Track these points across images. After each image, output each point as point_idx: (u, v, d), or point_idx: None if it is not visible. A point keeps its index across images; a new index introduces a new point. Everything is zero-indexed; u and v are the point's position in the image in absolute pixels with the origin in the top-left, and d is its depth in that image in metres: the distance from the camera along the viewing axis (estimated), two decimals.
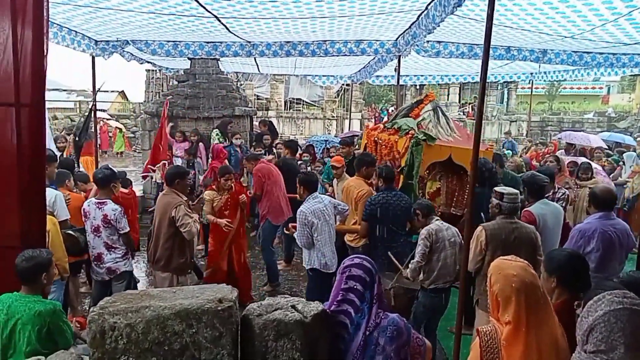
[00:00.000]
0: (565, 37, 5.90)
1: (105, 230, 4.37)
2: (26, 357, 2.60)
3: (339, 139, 10.34)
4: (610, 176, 8.90)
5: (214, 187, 5.52)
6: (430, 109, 5.56)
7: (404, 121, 5.56)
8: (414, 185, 5.18)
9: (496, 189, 3.99)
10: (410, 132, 5.31)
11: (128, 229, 4.47)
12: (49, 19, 2.63)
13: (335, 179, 6.29)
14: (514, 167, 6.90)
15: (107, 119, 21.01)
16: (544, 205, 4.31)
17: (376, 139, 6.00)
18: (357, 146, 7.50)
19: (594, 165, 7.28)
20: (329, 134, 19.87)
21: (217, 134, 9.19)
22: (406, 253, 4.45)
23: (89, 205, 4.45)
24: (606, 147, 11.75)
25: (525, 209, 4.29)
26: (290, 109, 23.46)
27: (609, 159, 9.59)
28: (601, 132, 18.43)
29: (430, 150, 5.16)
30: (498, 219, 3.77)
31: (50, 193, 4.33)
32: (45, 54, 2.50)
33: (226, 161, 7.88)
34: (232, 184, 5.49)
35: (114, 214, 4.34)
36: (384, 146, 5.72)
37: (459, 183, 5.59)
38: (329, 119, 22.30)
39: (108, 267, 4.43)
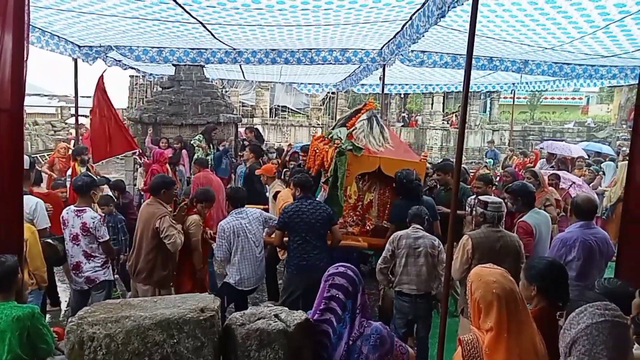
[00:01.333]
0: (546, 48, 6.02)
1: (84, 238, 4.27)
2: None
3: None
4: (591, 185, 9.08)
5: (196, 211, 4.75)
6: (365, 119, 5.45)
7: (337, 131, 5.47)
8: (339, 197, 5.02)
9: (480, 197, 4.04)
10: (337, 141, 5.22)
11: (107, 237, 4.38)
12: (30, 24, 2.59)
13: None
14: (510, 179, 6.32)
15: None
16: (536, 215, 4.38)
17: (316, 148, 5.91)
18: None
19: (574, 178, 7.30)
20: None
21: (199, 139, 9.12)
22: (318, 266, 4.25)
23: (67, 213, 4.35)
24: (586, 156, 11.97)
25: (521, 219, 4.32)
26: (275, 116, 23.45)
27: (590, 168, 9.77)
28: (581, 141, 18.80)
29: (358, 160, 5.02)
30: (483, 228, 3.78)
31: (31, 200, 4.25)
32: (25, 58, 2.46)
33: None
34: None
35: (93, 222, 4.25)
36: (319, 156, 5.62)
37: (391, 195, 5.32)
38: (314, 126, 22.34)
39: (87, 277, 4.32)
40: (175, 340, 2.12)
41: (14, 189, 2.70)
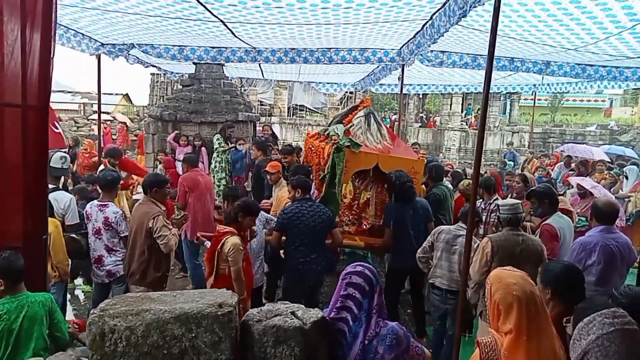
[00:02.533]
0: (569, 49, 5.92)
1: (106, 232, 4.36)
2: (34, 351, 2.62)
3: None
4: (611, 190, 8.89)
5: (233, 229, 3.91)
6: (362, 115, 5.35)
7: (333, 127, 5.37)
8: (337, 194, 4.92)
9: (497, 202, 4.04)
10: (334, 138, 5.10)
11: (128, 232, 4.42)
12: (57, 21, 2.65)
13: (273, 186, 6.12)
14: (521, 185, 5.95)
15: (110, 120, 20.99)
16: (559, 218, 4.35)
17: (311, 146, 5.79)
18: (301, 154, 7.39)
19: (591, 185, 6.85)
20: None
21: (217, 139, 9.21)
22: (316, 270, 4.32)
23: (90, 208, 4.45)
24: (608, 159, 11.72)
25: (545, 223, 4.29)
26: (293, 115, 23.51)
27: (611, 172, 9.57)
28: (603, 144, 18.42)
29: (356, 157, 4.90)
30: (504, 231, 3.80)
31: (65, 197, 4.39)
32: (52, 56, 2.52)
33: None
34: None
35: (115, 217, 4.34)
36: (315, 154, 5.51)
37: (389, 193, 5.18)
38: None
39: (108, 270, 4.41)
40: (193, 335, 2.15)
41: (39, 183, 2.77)
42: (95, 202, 4.48)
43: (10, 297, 2.71)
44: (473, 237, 3.59)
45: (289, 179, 5.12)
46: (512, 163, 16.21)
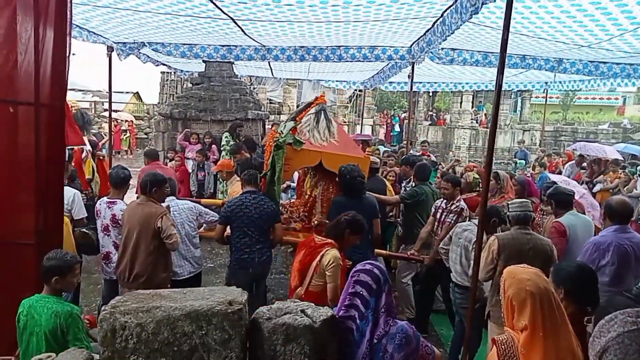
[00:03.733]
0: (582, 46, 5.84)
1: (113, 229, 4.39)
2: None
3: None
4: (625, 189, 8.78)
5: (334, 242, 3.60)
6: (313, 112, 5.29)
7: (283, 125, 5.37)
8: (277, 192, 4.90)
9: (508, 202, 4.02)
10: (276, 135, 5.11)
11: None
12: (72, 20, 2.67)
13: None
14: (519, 188, 5.78)
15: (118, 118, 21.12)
16: (573, 217, 4.31)
17: (271, 142, 5.73)
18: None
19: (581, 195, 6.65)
20: None
21: (226, 137, 9.25)
22: (260, 260, 4.38)
23: (100, 204, 4.48)
24: (621, 158, 11.57)
25: (555, 220, 4.27)
26: None
27: (625, 171, 9.46)
28: (616, 143, 18.18)
29: (298, 155, 4.88)
30: (512, 230, 3.78)
31: (69, 192, 4.42)
32: (67, 54, 2.54)
33: None
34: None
35: (122, 214, 4.32)
36: (267, 151, 5.48)
37: (335, 191, 5.12)
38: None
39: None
40: (203, 332, 2.15)
41: (53, 180, 2.79)
42: (105, 198, 4.52)
43: (41, 295, 2.72)
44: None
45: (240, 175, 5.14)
46: (523, 162, 16.09)
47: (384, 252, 5.44)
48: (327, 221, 4.76)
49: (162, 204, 4.26)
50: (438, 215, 5.02)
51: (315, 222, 5.07)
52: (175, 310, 2.16)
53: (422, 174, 5.68)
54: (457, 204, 4.96)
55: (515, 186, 5.91)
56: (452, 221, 4.85)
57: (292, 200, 6.12)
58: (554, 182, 5.80)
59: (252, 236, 4.42)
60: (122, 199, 4.59)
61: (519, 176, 6.10)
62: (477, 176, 5.98)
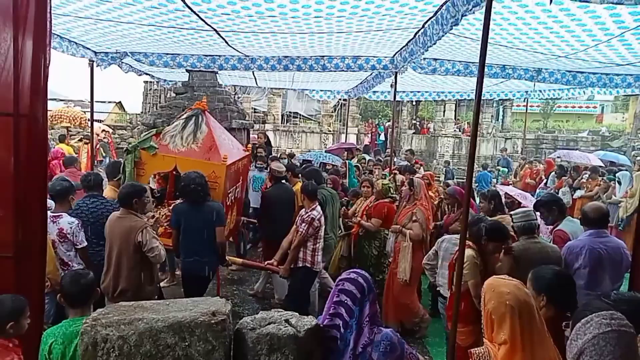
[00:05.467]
0: (559, 56, 5.99)
1: (61, 245, 4.09)
2: None
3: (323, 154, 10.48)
4: (604, 195, 8.97)
5: (472, 243, 3.71)
6: (184, 118, 5.34)
7: (151, 130, 5.41)
8: None
9: (511, 212, 4.08)
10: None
11: (85, 243, 4.20)
12: (52, 30, 2.65)
13: None
14: (450, 200, 5.86)
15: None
16: (571, 223, 4.37)
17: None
18: None
19: (517, 193, 6.60)
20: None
21: None
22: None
23: None
24: (603, 165, 11.82)
25: (557, 229, 4.30)
26: (287, 122, 23.55)
27: (603, 178, 9.66)
28: (595, 150, 18.58)
29: (152, 159, 4.90)
30: (521, 240, 3.80)
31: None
32: (47, 65, 2.52)
33: None
34: None
35: (71, 227, 4.10)
36: None
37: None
38: (325, 133, 22.39)
39: None
40: (186, 343, 2.14)
41: (34, 192, 2.75)
42: (49, 212, 4.04)
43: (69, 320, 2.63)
44: None
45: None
46: (506, 169, 16.32)
47: (238, 259, 5.48)
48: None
49: (142, 216, 4.14)
50: (297, 224, 5.09)
51: None
52: (158, 322, 2.14)
53: (316, 178, 5.79)
54: (309, 212, 4.98)
55: (447, 199, 5.97)
56: (304, 230, 4.88)
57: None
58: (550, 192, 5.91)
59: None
60: (67, 212, 4.29)
61: (449, 188, 6.10)
62: (386, 182, 6.04)
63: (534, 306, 2.08)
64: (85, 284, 2.72)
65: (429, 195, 5.60)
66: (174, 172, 5.25)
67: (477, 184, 13.26)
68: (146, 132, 5.39)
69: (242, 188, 5.86)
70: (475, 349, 2.14)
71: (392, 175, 7.20)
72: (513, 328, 1.98)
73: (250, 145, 6.86)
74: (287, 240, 5.13)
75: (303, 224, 4.96)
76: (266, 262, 5.36)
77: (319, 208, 5.09)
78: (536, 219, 3.94)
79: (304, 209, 5.15)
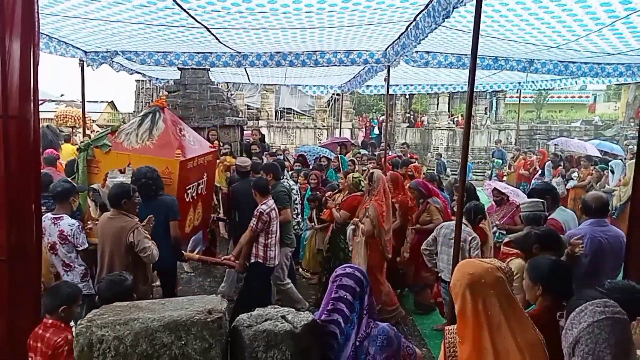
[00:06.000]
0: (551, 47, 6.00)
1: (62, 247, 4.07)
2: None
3: (318, 148, 10.47)
4: (598, 184, 9.02)
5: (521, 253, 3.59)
6: (141, 115, 5.31)
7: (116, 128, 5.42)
8: (82, 195, 4.81)
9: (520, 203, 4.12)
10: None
11: (87, 244, 4.17)
12: (40, 30, 2.62)
13: None
14: (415, 194, 5.89)
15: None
16: (563, 212, 4.43)
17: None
18: None
19: (504, 187, 6.26)
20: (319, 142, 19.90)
21: None
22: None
23: (45, 221, 4.05)
24: (599, 155, 11.86)
25: (550, 217, 4.32)
26: (281, 118, 23.50)
27: (596, 167, 9.71)
28: (588, 140, 18.67)
29: (107, 157, 4.89)
30: (526, 229, 3.80)
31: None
32: (35, 65, 2.49)
33: None
34: None
35: (72, 229, 4.07)
36: None
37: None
38: (319, 128, 22.36)
39: None
40: (183, 342, 2.13)
41: (27, 195, 2.73)
42: (50, 214, 4.14)
43: None
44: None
45: None
46: (500, 161, 16.37)
47: (195, 256, 5.48)
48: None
49: (133, 217, 4.08)
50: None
51: None
52: (154, 321, 2.13)
53: (274, 172, 5.74)
54: (259, 207, 4.93)
55: (412, 193, 5.96)
56: (253, 225, 4.85)
57: None
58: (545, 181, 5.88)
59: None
60: (68, 214, 4.25)
61: (413, 182, 6.06)
62: (357, 175, 6.01)
63: (506, 291, 2.01)
64: (120, 291, 2.89)
65: (388, 190, 5.50)
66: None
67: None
68: (101, 131, 5.32)
69: (209, 185, 5.79)
70: (449, 325, 2.18)
71: (366, 171, 7.16)
72: (462, 306, 2.01)
73: (216, 143, 6.77)
74: (245, 235, 5.06)
75: (253, 219, 4.91)
76: (223, 258, 5.35)
77: (270, 202, 5.00)
78: (544, 211, 3.94)
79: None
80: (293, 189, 6.12)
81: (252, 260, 5.02)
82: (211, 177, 5.94)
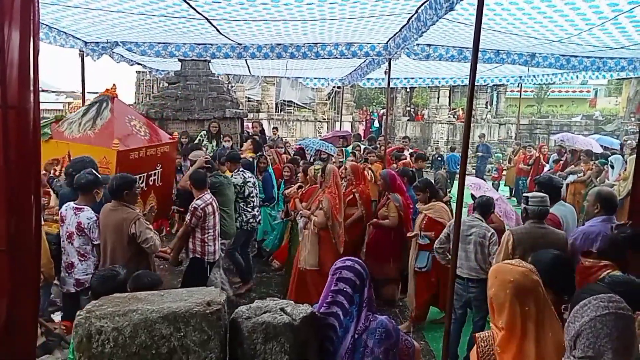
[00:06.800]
0: (553, 41, 5.97)
1: (78, 238, 4.10)
2: None
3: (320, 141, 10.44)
4: (597, 179, 9.01)
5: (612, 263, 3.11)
6: (87, 105, 5.29)
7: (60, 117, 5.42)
8: None
9: (525, 194, 4.08)
10: None
11: (99, 241, 4.14)
12: (40, 20, 2.60)
13: None
14: (382, 184, 5.76)
15: None
16: (562, 207, 4.42)
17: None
18: None
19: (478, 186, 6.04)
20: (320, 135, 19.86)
21: (201, 136, 9.20)
22: None
23: (66, 210, 4.15)
24: (601, 151, 11.82)
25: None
26: (281, 111, 23.44)
27: (596, 161, 9.69)
28: (589, 135, 18.62)
29: (47, 146, 4.89)
30: (527, 224, 3.80)
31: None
32: (35, 55, 2.47)
33: None
34: None
35: (88, 223, 4.06)
36: None
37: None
38: (320, 121, 22.32)
39: (77, 279, 4.11)
40: (182, 334, 2.13)
41: (26, 186, 2.72)
42: (72, 204, 4.16)
43: None
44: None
45: None
46: (500, 155, 16.32)
47: None
48: None
49: (135, 207, 4.09)
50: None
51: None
52: (153, 312, 2.13)
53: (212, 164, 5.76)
54: (194, 202, 4.85)
55: (380, 181, 5.88)
56: (188, 220, 4.80)
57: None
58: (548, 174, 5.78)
59: None
60: (90, 206, 4.24)
61: (383, 171, 5.93)
62: (317, 168, 5.91)
63: (541, 293, 2.05)
64: (112, 287, 2.79)
65: (340, 184, 5.45)
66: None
67: (446, 165, 13.81)
68: (45, 120, 5.26)
69: (165, 176, 5.73)
70: (481, 332, 2.16)
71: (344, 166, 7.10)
72: (512, 316, 1.98)
73: (176, 134, 6.74)
74: (180, 230, 5.05)
75: (188, 214, 4.85)
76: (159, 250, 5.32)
77: (205, 197, 4.90)
78: (547, 205, 3.92)
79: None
80: (248, 181, 5.98)
81: (191, 256, 4.97)
82: (168, 169, 5.89)
